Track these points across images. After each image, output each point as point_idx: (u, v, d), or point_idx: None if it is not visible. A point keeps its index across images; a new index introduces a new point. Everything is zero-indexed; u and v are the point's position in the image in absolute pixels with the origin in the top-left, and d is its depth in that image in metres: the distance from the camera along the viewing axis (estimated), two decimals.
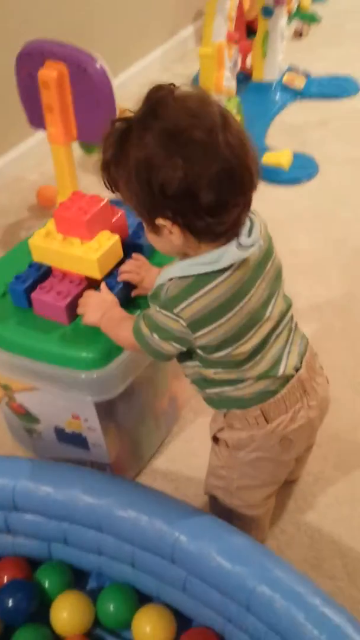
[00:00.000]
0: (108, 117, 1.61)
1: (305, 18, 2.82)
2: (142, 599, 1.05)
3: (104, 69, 1.52)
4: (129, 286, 1.08)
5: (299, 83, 2.43)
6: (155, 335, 0.88)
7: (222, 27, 2.01)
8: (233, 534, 0.95)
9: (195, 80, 2.54)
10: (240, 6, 2.16)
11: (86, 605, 1.04)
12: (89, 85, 1.54)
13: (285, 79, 2.44)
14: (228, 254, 0.83)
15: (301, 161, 2.05)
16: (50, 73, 1.52)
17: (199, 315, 0.84)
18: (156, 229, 0.83)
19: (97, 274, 1.06)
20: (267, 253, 0.90)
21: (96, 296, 1.03)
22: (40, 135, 2.11)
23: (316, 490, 1.23)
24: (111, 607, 1.03)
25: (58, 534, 1.05)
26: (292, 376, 0.94)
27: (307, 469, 1.24)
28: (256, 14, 2.35)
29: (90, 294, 1.04)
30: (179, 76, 2.60)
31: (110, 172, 0.82)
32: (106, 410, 1.12)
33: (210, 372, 0.92)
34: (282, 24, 2.30)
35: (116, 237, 1.08)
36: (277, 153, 2.03)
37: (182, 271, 0.84)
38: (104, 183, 0.84)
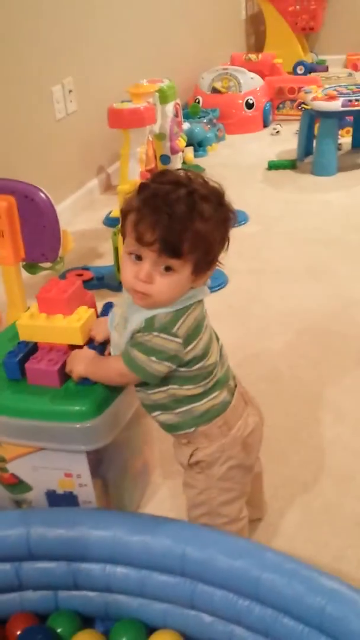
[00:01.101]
0: (53, 239, 1.86)
1: (191, 169, 3.29)
2: (148, 632, 1.14)
3: (48, 197, 1.79)
4: (103, 347, 1.26)
5: None
6: (153, 358, 1.06)
7: (135, 168, 2.37)
8: (231, 536, 1.09)
9: (107, 220, 2.88)
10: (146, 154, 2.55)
11: None
12: (36, 212, 1.79)
13: None
14: (202, 290, 1.10)
15: (214, 274, 2.35)
16: (0, 204, 1.77)
17: (189, 331, 1.06)
18: (202, 272, 1.06)
19: (79, 341, 1.24)
20: None
21: (78, 352, 1.22)
22: None
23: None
24: None
25: (67, 578, 1.14)
26: (234, 390, 1.17)
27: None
28: (154, 164, 2.77)
29: (73, 353, 1.22)
30: (90, 220, 2.94)
31: (192, 228, 1.01)
32: (95, 467, 1.26)
33: (183, 390, 1.11)
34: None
35: (92, 310, 1.27)
36: None
37: (169, 309, 1.06)
38: (173, 239, 1.00)
